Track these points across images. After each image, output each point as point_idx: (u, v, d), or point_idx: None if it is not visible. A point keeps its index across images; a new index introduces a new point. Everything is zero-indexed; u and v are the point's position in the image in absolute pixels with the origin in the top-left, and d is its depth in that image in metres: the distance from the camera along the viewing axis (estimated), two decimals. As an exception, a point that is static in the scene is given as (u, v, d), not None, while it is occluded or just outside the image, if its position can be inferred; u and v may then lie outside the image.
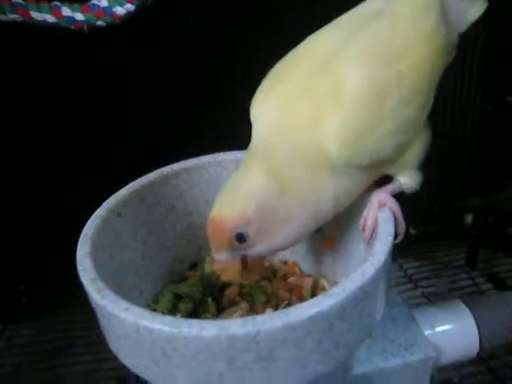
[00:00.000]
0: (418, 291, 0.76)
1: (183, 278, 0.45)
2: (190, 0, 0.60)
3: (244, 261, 0.36)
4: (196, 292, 0.42)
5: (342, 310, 0.28)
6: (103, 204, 0.39)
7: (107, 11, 0.48)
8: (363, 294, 0.29)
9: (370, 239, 0.36)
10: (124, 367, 0.59)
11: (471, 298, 0.46)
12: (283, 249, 0.37)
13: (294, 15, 0.44)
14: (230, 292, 0.44)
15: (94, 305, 0.31)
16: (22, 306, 0.73)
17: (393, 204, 0.36)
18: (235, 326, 0.26)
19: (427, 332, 0.43)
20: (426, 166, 0.38)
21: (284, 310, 0.27)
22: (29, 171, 0.63)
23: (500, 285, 0.78)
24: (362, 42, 0.35)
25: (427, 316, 0.44)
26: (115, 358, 0.62)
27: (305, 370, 0.29)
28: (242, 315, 0.41)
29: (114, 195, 0.40)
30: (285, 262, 0.47)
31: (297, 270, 0.46)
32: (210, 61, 0.61)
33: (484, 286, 0.77)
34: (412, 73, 0.34)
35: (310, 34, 0.38)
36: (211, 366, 0.27)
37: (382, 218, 0.34)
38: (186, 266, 0.46)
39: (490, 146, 0.78)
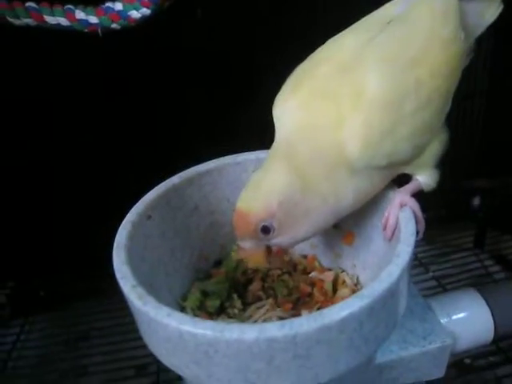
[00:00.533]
0: (429, 275, 0.78)
1: (208, 276, 0.47)
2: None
3: (268, 248, 0.37)
4: (222, 289, 0.44)
5: (371, 310, 0.30)
6: (132, 209, 0.40)
7: (122, 15, 0.48)
8: (390, 294, 0.31)
9: (392, 237, 0.37)
10: (142, 356, 0.62)
11: (485, 287, 0.48)
12: (304, 240, 0.38)
13: (313, 19, 0.45)
14: (254, 287, 0.46)
15: (134, 310, 0.33)
16: (40, 299, 0.75)
17: (413, 204, 0.37)
18: (274, 329, 0.28)
19: (444, 321, 0.44)
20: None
21: (318, 312, 0.29)
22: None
23: (508, 266, 0.80)
24: (381, 46, 0.35)
25: (443, 305, 0.45)
26: (133, 348, 0.64)
27: (337, 364, 0.31)
28: (268, 310, 0.43)
29: (141, 200, 0.41)
30: (304, 256, 0.49)
31: (316, 263, 0.48)
32: (230, 61, 0.62)
33: (493, 269, 0.79)
34: (430, 78, 0.35)
35: (330, 36, 0.39)
36: (251, 365, 0.29)
37: (403, 218, 0.36)
38: (210, 263, 0.48)
39: (496, 129, 0.79)
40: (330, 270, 0.47)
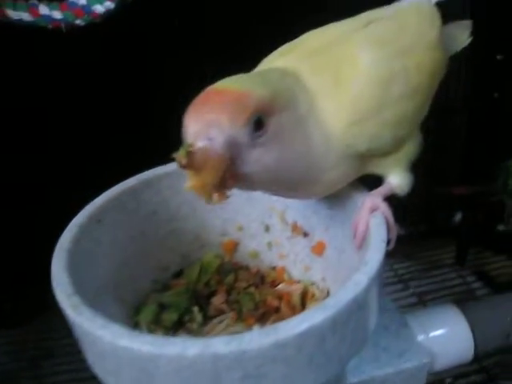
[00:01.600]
0: (409, 291, 0.75)
1: (167, 287, 0.43)
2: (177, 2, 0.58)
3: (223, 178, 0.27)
4: (181, 301, 0.41)
5: (335, 324, 0.26)
6: (81, 212, 0.37)
7: (86, 9, 0.46)
8: (357, 306, 0.27)
9: (361, 244, 0.34)
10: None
11: (464, 302, 0.45)
12: (277, 184, 0.31)
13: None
14: (217, 300, 0.43)
15: (70, 322, 0.29)
16: (7, 312, 0.70)
17: (385, 208, 0.34)
18: (220, 344, 0.25)
19: (420, 338, 0.41)
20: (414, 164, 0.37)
21: (272, 326, 0.26)
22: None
23: (490, 283, 0.77)
24: (372, 31, 0.35)
25: (420, 321, 0.42)
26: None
27: (295, 385, 0.27)
28: (228, 325, 0.40)
29: (92, 202, 0.38)
30: (273, 268, 0.46)
31: (285, 276, 0.45)
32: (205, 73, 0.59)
33: (474, 285, 0.76)
34: (416, 71, 0.34)
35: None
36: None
37: (373, 223, 0.33)
38: (169, 274, 0.44)
39: (476, 143, 0.77)
40: (298, 282, 0.43)
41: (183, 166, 0.26)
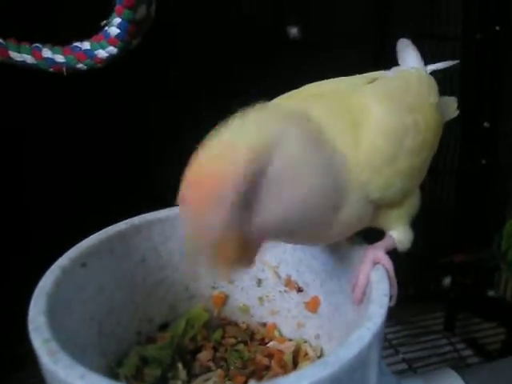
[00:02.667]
0: (399, 357, 0.72)
1: (151, 340, 0.40)
2: (174, 53, 0.59)
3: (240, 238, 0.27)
4: (165, 356, 0.38)
5: (338, 381, 0.24)
6: (65, 254, 0.35)
7: (89, 54, 0.46)
8: (359, 363, 0.26)
9: (361, 298, 0.33)
10: None
11: (462, 368, 0.43)
12: (290, 235, 0.30)
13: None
14: (203, 356, 0.40)
15: (44, 370, 0.26)
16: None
17: (387, 261, 0.33)
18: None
19: (418, 404, 0.39)
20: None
21: (270, 382, 0.24)
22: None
23: (480, 351, 0.75)
24: (380, 87, 0.35)
25: (418, 387, 0.40)
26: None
27: None
28: (215, 383, 0.37)
29: (77, 245, 0.36)
30: (263, 324, 0.43)
31: (276, 333, 0.43)
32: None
33: (465, 352, 0.74)
34: (424, 126, 0.34)
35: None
36: None
37: (375, 277, 0.32)
38: (155, 326, 0.42)
39: (466, 208, 0.78)
40: (290, 340, 0.41)
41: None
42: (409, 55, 0.43)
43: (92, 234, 0.37)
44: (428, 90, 0.37)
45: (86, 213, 0.54)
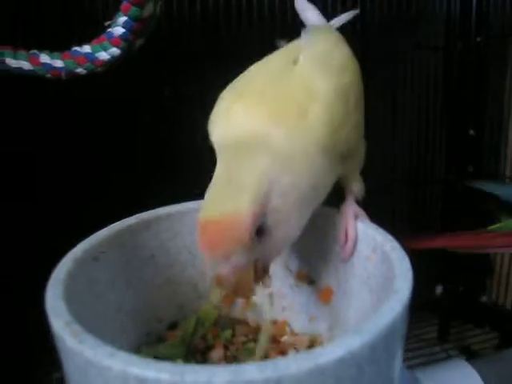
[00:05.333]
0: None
1: (160, 339, 0.39)
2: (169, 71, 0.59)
3: (255, 265, 0.31)
4: (177, 354, 0.37)
5: (373, 352, 0.24)
6: (77, 246, 0.34)
7: (89, 57, 0.45)
8: (392, 334, 0.25)
9: (353, 252, 0.36)
10: None
11: (476, 359, 0.43)
12: (296, 234, 0.33)
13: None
14: (214, 355, 0.39)
15: (65, 355, 0.25)
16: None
17: (363, 213, 0.37)
18: (252, 371, 0.22)
19: (434, 395, 0.39)
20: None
21: (308, 352, 0.23)
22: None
23: (474, 358, 0.75)
24: (310, 61, 0.36)
25: (432, 378, 0.40)
26: None
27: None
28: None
29: (89, 237, 0.35)
30: (274, 322, 0.43)
31: (287, 329, 0.42)
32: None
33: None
34: (351, 88, 0.36)
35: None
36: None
37: (396, 255, 0.32)
38: (164, 325, 0.40)
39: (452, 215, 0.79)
40: (303, 334, 0.40)
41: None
42: (311, 13, 0.45)
43: (102, 229, 0.37)
44: (343, 41, 0.40)
45: (96, 208, 0.53)
